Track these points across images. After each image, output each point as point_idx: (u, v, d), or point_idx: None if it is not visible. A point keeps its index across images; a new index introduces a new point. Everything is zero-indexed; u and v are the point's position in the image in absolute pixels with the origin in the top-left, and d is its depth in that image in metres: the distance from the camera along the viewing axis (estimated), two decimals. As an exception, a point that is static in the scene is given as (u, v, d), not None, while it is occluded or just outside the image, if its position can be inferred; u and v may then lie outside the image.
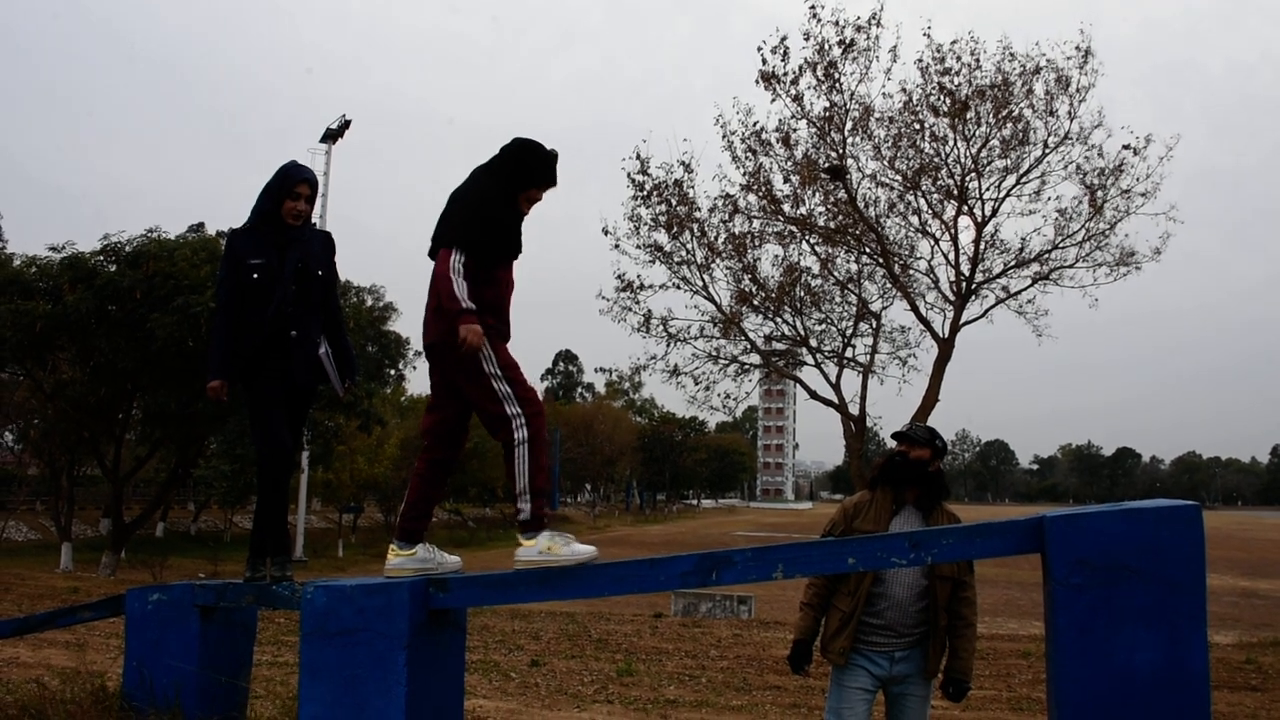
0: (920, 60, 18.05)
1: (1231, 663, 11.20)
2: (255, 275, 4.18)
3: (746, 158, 18.93)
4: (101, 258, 20.59)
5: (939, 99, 18.02)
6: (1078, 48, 17.52)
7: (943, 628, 4.13)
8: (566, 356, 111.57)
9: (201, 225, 25.91)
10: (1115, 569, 2.84)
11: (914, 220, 19.17)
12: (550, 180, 3.96)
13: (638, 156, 19.00)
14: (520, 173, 3.90)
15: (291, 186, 4.26)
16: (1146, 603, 2.81)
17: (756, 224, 19.47)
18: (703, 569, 3.28)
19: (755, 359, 20.61)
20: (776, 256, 19.86)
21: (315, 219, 4.50)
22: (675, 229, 19.20)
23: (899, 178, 18.78)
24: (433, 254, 3.87)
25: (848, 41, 17.64)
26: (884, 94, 18.70)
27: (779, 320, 20.18)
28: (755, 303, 19.69)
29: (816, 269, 19.85)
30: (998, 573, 28.72)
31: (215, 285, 4.43)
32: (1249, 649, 12.76)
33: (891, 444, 4.39)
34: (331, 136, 39.00)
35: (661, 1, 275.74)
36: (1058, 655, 2.90)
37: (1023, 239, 18.93)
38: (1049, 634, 3.04)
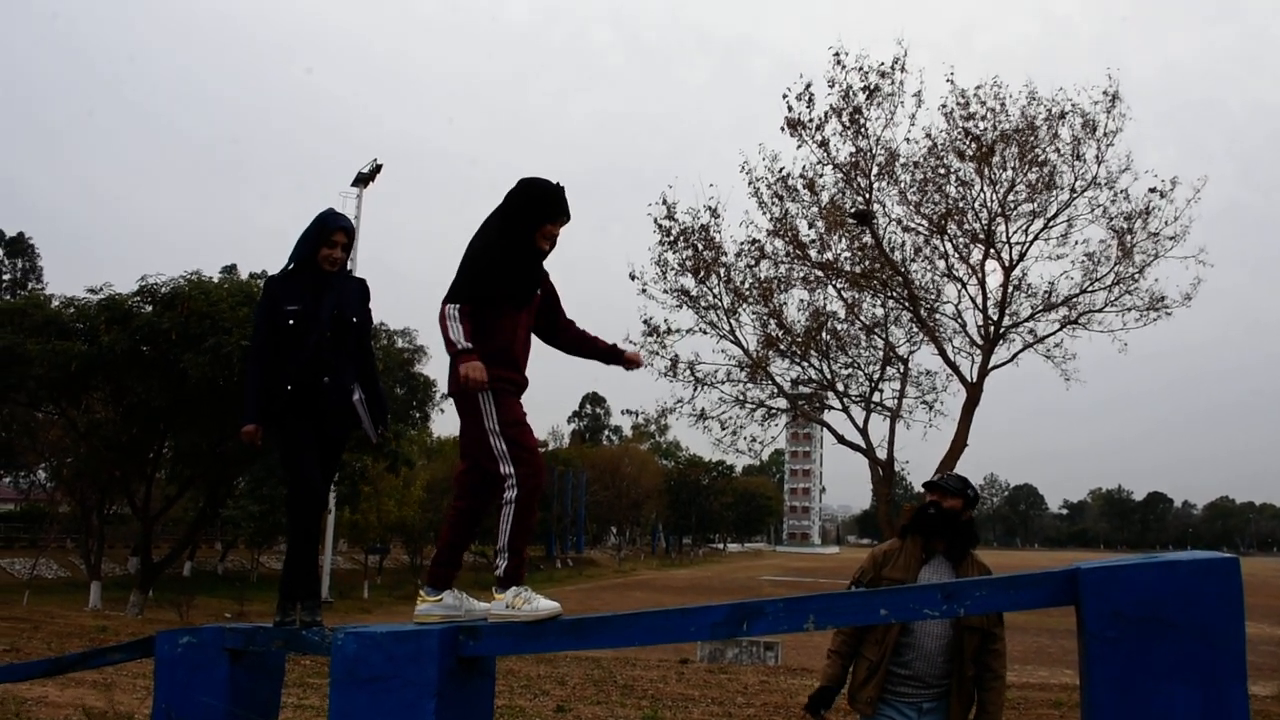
0: (944, 105, 18.13)
1: (1271, 715, 10.94)
2: (291, 321, 4.23)
3: (773, 203, 19.03)
4: (138, 299, 20.93)
5: (964, 143, 18.07)
6: (1105, 92, 17.56)
7: (970, 679, 4.08)
8: (593, 399, 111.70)
9: (234, 267, 26.36)
10: (1152, 622, 2.80)
11: (941, 264, 19.15)
12: (561, 212, 3.90)
13: (664, 202, 19.14)
14: (530, 210, 3.86)
15: (329, 235, 4.33)
16: (1184, 657, 2.76)
17: (783, 269, 19.51)
18: (734, 620, 3.26)
19: (782, 403, 20.55)
20: (803, 301, 19.88)
21: (348, 264, 4.56)
22: (702, 273, 19.26)
23: (925, 222, 18.79)
24: None
25: (872, 87, 17.76)
26: (909, 139, 18.72)
27: (806, 364, 20.13)
28: (782, 347, 19.66)
29: (843, 313, 19.84)
30: (1028, 619, 28.23)
31: (252, 329, 4.46)
32: (1289, 702, 12.45)
33: (920, 490, 4.37)
34: (363, 180, 39.48)
35: (682, 44, 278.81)
36: (1093, 710, 2.85)
37: (1050, 283, 18.86)
38: (1083, 687, 3.00)
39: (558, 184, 3.92)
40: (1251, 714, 2.87)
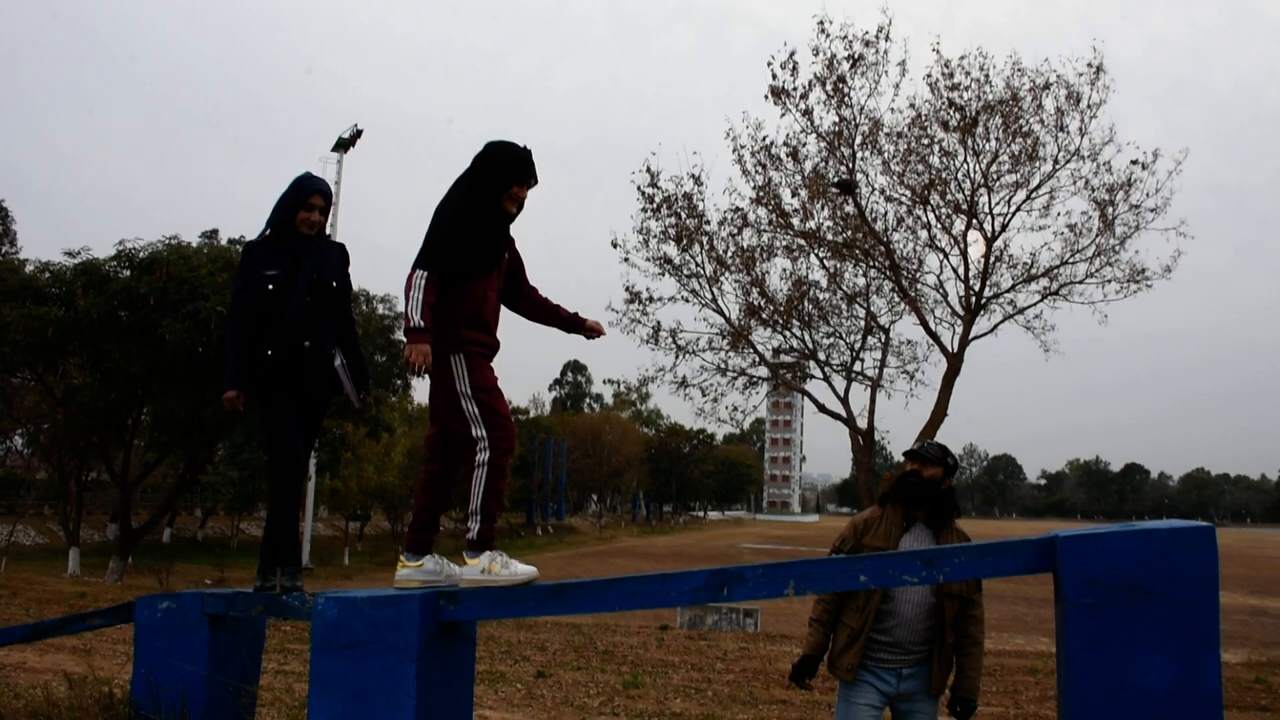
0: (929, 75, 18.07)
1: (1241, 681, 11.14)
2: (270, 286, 4.19)
3: (756, 172, 18.97)
4: (115, 263, 20.70)
5: (948, 114, 18.03)
6: (1090, 64, 17.53)
7: (950, 645, 4.12)
8: (575, 367, 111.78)
9: (215, 232, 26.08)
10: (1128, 589, 2.82)
11: (923, 235, 19.16)
12: (529, 174, 3.90)
13: (648, 169, 19.05)
14: (497, 174, 3.85)
15: (305, 197, 4.29)
16: (1159, 624, 2.79)
17: (765, 237, 19.49)
18: (714, 585, 3.27)
19: (763, 372, 20.60)
20: (785, 270, 19.88)
21: (326, 228, 4.52)
22: (684, 242, 19.22)
23: (908, 192, 18.77)
24: None
25: (856, 56, 17.67)
26: (893, 109, 18.69)
27: (787, 333, 20.17)
28: (764, 316, 19.68)
29: (825, 283, 19.85)
30: (1005, 588, 28.62)
31: (231, 295, 4.43)
32: (1258, 668, 12.69)
33: (901, 459, 4.38)
34: (343, 145, 39.09)
35: (664, 12, 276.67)
36: (1069, 676, 2.89)
37: (1031, 254, 18.92)
38: (1060, 654, 3.03)
39: (525, 147, 3.91)
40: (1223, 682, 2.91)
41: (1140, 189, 17.75)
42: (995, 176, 18.32)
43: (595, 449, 76.66)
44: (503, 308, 4.14)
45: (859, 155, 18.44)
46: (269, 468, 4.30)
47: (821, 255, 19.49)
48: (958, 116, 17.88)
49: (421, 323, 3.66)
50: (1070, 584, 2.89)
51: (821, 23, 17.65)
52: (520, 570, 3.68)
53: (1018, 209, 18.55)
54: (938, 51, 18.01)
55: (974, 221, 18.62)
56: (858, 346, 20.25)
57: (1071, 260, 18.55)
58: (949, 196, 18.64)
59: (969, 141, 18.02)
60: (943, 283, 19.27)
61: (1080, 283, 18.62)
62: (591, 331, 4.30)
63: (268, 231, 4.33)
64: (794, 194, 19.09)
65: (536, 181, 3.95)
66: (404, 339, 3.75)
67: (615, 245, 19.52)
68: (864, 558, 3.42)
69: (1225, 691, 3.23)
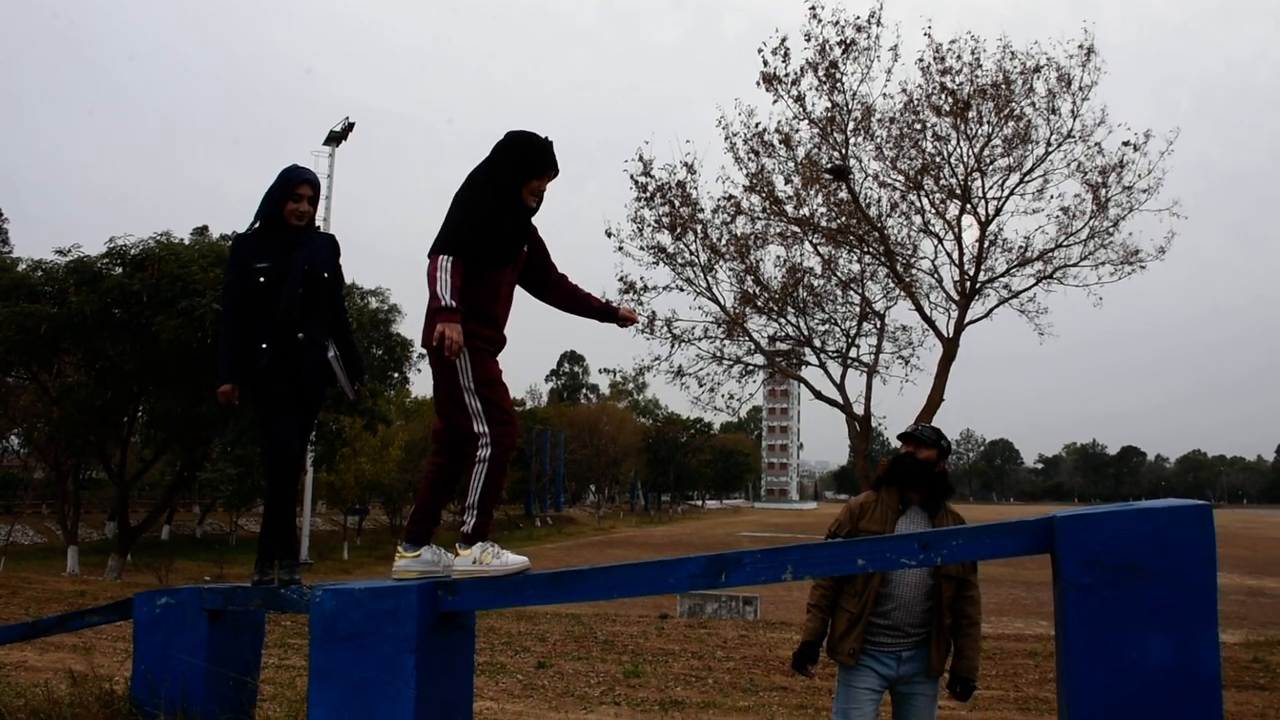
0: (921, 60, 18.04)
1: (1239, 661, 11.18)
2: (262, 279, 4.17)
3: (749, 159, 18.94)
4: (107, 261, 20.64)
5: (940, 98, 18.00)
6: (1080, 46, 17.52)
7: (947, 627, 4.13)
8: (571, 357, 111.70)
9: (205, 229, 25.98)
10: (1126, 569, 2.82)
11: (917, 220, 19.16)
12: (550, 166, 3.83)
13: (640, 158, 19.01)
14: (518, 165, 3.78)
15: (293, 188, 4.25)
16: (1158, 604, 2.78)
17: (759, 225, 19.47)
18: (712, 571, 3.27)
19: (759, 359, 20.60)
20: (779, 257, 19.88)
21: (319, 222, 4.49)
22: (678, 230, 19.19)
23: (901, 178, 18.76)
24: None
25: (848, 41, 17.63)
26: (885, 94, 18.67)
27: (782, 321, 20.17)
28: (759, 303, 19.67)
29: (819, 269, 19.85)
30: (1003, 572, 28.67)
31: (222, 290, 4.40)
32: (1256, 648, 12.73)
33: (897, 444, 4.38)
34: (335, 139, 38.98)
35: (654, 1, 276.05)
36: (1068, 657, 2.88)
37: (1026, 238, 18.92)
38: (1059, 635, 3.02)
39: (545, 138, 3.84)
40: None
41: (1132, 170, 17.78)
42: (988, 160, 18.33)
43: (593, 440, 76.68)
44: (517, 300, 4.08)
45: (852, 141, 18.43)
46: (264, 462, 4.28)
47: (815, 242, 19.49)
48: (950, 101, 17.86)
49: (453, 302, 3.59)
50: (1068, 564, 2.89)
51: (814, 7, 17.62)
52: (511, 560, 3.66)
53: (1011, 192, 18.58)
54: (929, 35, 18.00)
55: (967, 206, 18.63)
56: (853, 332, 20.28)
57: (1065, 243, 18.59)
58: (942, 181, 18.64)
59: (961, 125, 18.01)
60: (937, 267, 19.31)
61: (1074, 265, 18.66)
62: (625, 320, 4.26)
63: (257, 224, 4.30)
64: (787, 181, 19.10)
65: (557, 173, 3.88)
66: (432, 321, 3.63)
67: (609, 235, 19.51)
68: (861, 541, 3.42)
69: (1223, 671, 3.24)
